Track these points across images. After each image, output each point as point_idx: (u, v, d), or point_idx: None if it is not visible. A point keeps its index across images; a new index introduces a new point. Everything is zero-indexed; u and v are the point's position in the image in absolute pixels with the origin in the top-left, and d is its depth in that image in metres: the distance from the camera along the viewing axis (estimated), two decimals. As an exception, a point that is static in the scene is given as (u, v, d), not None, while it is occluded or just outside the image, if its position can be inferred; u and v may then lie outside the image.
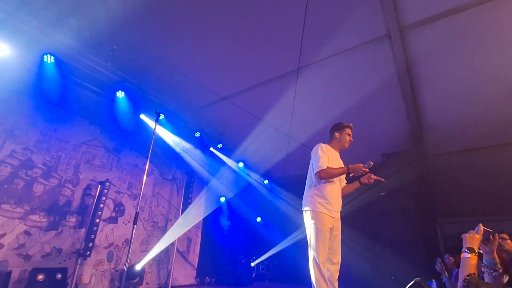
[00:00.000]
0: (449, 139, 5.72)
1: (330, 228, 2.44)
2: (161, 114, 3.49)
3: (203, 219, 6.33)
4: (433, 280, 3.81)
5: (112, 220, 4.73)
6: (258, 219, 7.93)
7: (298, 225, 6.75)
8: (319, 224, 2.36)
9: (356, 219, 6.21)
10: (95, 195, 4.38)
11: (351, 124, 2.82)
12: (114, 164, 4.91)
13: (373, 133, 5.95)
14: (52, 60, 3.96)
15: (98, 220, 4.23)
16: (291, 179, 7.35)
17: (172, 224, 5.63)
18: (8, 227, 3.57)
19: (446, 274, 3.53)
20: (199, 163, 6.44)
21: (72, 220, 4.18)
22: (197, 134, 6.24)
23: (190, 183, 5.95)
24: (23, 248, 3.65)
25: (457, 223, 5.98)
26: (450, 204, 6.08)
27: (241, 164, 7.32)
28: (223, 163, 6.94)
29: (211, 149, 6.65)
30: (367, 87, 4.90)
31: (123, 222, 4.87)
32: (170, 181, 5.93)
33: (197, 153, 6.39)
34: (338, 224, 2.56)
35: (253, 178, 7.69)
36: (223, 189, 7.02)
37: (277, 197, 7.67)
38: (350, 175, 2.52)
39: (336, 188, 2.58)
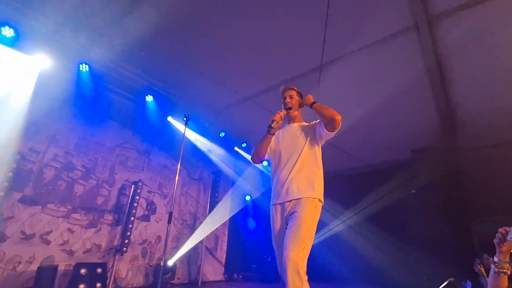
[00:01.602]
0: (483, 133, 5.41)
1: (281, 221, 1.97)
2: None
3: (230, 217, 6.47)
4: (468, 280, 3.63)
5: (145, 218, 4.98)
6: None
7: (324, 223, 6.70)
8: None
9: (385, 218, 6.06)
10: (129, 195, 4.63)
11: (281, 87, 2.37)
12: (145, 165, 5.16)
13: (401, 128, 5.76)
14: (87, 69, 4.23)
15: (132, 218, 4.47)
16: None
17: (200, 222, 5.81)
18: (54, 225, 3.88)
19: (486, 276, 3.37)
20: (225, 162, 6.58)
21: (109, 218, 4.45)
22: (222, 134, 6.36)
23: (217, 183, 6.09)
24: (67, 244, 3.96)
25: (492, 220, 5.66)
26: (484, 201, 5.76)
27: (265, 163, 7.37)
28: (248, 162, 7.03)
29: (236, 148, 6.75)
30: (394, 82, 4.75)
31: (155, 220, 5.11)
32: (197, 180, 6.11)
33: (222, 153, 6.53)
34: (295, 208, 1.90)
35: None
36: (248, 188, 7.11)
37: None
38: (271, 131, 2.10)
39: (281, 169, 2.04)
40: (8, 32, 3.44)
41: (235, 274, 6.22)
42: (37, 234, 3.70)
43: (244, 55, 4.66)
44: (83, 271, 3.78)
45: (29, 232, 3.64)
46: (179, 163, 3.50)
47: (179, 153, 5.13)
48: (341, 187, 6.79)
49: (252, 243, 6.92)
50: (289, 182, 1.96)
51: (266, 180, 7.60)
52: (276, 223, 1.99)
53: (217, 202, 6.01)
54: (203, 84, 5.30)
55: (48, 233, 3.81)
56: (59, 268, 3.69)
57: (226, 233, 6.49)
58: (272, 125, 2.07)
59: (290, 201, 1.93)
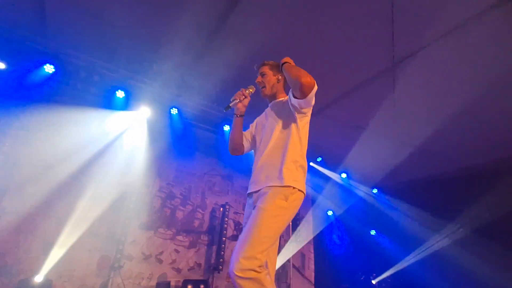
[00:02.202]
0: None
1: (249, 214, 1.65)
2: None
3: (315, 235, 6.40)
4: None
5: (234, 238, 5.39)
6: (373, 232, 7.39)
7: (422, 239, 5.93)
8: None
9: (502, 229, 5.00)
10: (219, 217, 5.13)
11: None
12: (229, 188, 5.66)
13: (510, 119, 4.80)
14: (176, 112, 5.03)
15: (224, 238, 4.92)
16: (403, 186, 6.63)
17: (285, 241, 5.92)
18: (164, 246, 4.59)
19: None
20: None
21: (205, 239, 5.00)
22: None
23: (296, 200, 6.17)
24: (175, 263, 4.60)
25: None
26: None
27: (344, 175, 7.13)
28: (326, 177, 6.92)
29: (311, 164, 6.75)
30: (492, 65, 3.97)
31: (243, 240, 5.46)
32: (277, 199, 6.32)
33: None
34: (258, 201, 1.57)
35: (361, 189, 7.31)
36: (329, 204, 6.94)
37: (391, 208, 7.01)
38: (236, 112, 1.86)
39: (256, 156, 1.82)
40: (120, 94, 4.43)
41: (326, 294, 6.03)
42: (153, 254, 4.44)
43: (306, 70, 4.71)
44: (189, 287, 4.32)
45: (147, 253, 4.40)
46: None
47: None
48: (437, 195, 5.97)
49: (341, 262, 6.62)
50: (259, 169, 1.66)
51: (347, 194, 7.27)
52: (246, 216, 1.72)
53: (299, 220, 6.05)
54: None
55: (161, 253, 4.52)
56: (171, 284, 4.31)
57: (312, 251, 6.41)
58: (230, 105, 1.75)
59: (258, 191, 1.61)
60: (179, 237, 4.74)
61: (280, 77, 1.91)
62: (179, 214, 4.88)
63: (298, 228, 5.86)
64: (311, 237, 6.32)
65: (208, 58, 4.44)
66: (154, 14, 3.63)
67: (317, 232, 6.42)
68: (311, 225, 6.44)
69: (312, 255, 6.37)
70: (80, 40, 4.00)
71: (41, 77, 3.92)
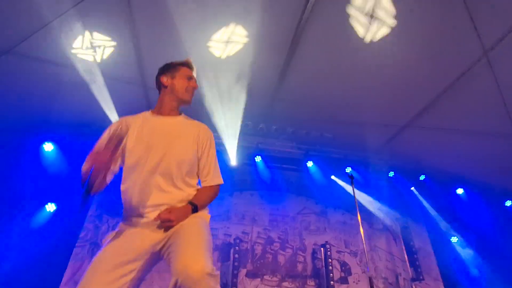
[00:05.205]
0: None
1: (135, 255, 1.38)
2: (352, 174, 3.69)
3: (440, 269, 5.30)
4: None
5: (343, 280, 4.93)
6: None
7: None
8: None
9: None
10: (322, 258, 4.85)
11: (189, 59, 1.74)
12: (326, 225, 5.39)
13: None
14: (260, 159, 5.36)
15: (332, 282, 4.55)
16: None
17: (404, 279, 5.09)
18: (272, 294, 4.53)
19: None
20: (407, 203, 5.85)
21: (312, 284, 4.74)
22: (391, 174, 5.91)
23: (406, 229, 5.40)
24: (286, 312, 4.44)
25: None
26: None
27: (460, 190, 5.97)
28: (436, 197, 5.94)
29: (412, 189, 5.98)
30: None
31: (354, 282, 4.94)
32: (382, 231, 5.64)
33: (397, 194, 5.91)
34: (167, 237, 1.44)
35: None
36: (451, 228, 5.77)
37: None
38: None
39: (140, 178, 1.49)
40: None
41: None
42: (264, 303, 4.43)
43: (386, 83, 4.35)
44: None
45: (258, 302, 4.42)
46: (358, 215, 3.50)
47: (352, 206, 5.08)
48: None
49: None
50: (155, 195, 1.59)
51: (471, 213, 5.94)
52: (112, 249, 1.60)
53: (415, 252, 5.20)
54: (354, 131, 5.29)
55: (270, 301, 4.47)
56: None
57: (444, 290, 5.26)
58: None
59: None
60: (285, 283, 4.64)
61: None
62: (281, 259, 4.85)
63: (418, 263, 5.00)
64: (437, 273, 5.23)
65: (278, 102, 4.73)
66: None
67: (444, 265, 5.29)
68: (432, 257, 5.40)
69: (445, 296, 5.21)
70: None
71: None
